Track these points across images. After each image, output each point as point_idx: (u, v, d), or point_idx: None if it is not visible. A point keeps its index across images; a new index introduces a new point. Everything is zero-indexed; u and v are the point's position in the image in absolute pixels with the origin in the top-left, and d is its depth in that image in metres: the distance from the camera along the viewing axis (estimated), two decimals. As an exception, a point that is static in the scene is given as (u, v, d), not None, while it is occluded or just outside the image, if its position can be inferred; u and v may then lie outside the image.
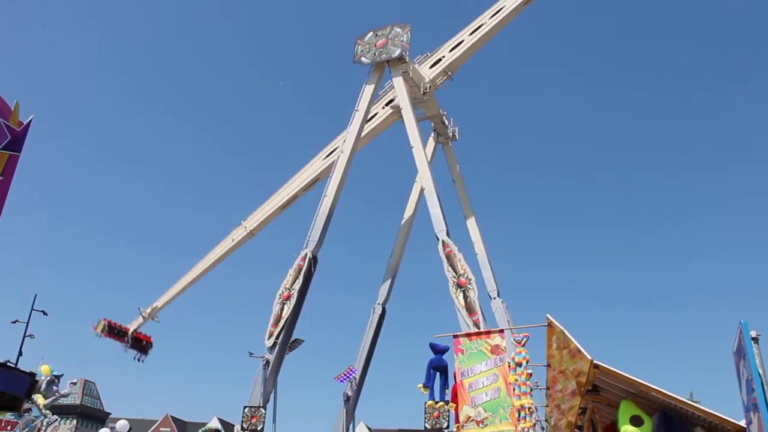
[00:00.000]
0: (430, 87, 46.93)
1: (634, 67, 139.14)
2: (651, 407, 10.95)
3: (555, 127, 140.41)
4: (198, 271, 51.22)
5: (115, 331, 50.43)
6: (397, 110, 47.24)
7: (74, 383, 32.88)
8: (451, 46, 47.50)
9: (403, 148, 44.56)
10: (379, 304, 48.49)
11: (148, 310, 51.32)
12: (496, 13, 46.29)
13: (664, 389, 10.33)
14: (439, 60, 47.51)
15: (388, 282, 49.20)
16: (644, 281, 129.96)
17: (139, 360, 51.78)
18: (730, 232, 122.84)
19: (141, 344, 51.71)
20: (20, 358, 30.71)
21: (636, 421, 10.60)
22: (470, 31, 47.06)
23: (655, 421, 10.79)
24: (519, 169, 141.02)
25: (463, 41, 47.19)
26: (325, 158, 49.62)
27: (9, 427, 28.66)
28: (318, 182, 49.30)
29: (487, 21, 46.53)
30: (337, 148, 48.44)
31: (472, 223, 49.64)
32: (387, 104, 48.64)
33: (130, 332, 50.90)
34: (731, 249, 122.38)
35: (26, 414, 28.90)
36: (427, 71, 47.25)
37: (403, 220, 50.94)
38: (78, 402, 62.64)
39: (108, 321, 50.14)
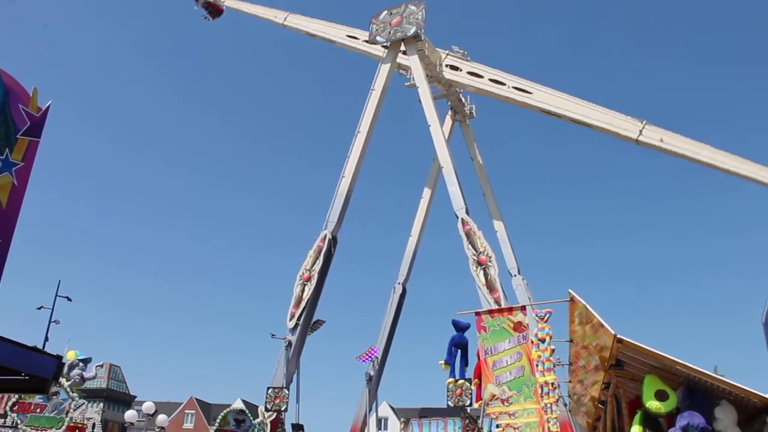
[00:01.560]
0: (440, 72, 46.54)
1: (656, 39, 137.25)
2: (675, 381, 10.90)
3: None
4: (246, 9, 56.44)
5: None
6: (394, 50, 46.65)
7: (100, 366, 33.41)
8: (472, 70, 45.30)
9: (422, 127, 44.39)
10: (399, 283, 48.60)
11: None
12: (520, 90, 42.97)
13: (688, 363, 10.27)
14: (456, 69, 46.08)
15: (408, 261, 49.25)
16: (668, 255, 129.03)
17: (204, 18, 58.14)
18: (757, 202, 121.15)
19: (212, 9, 57.83)
20: (46, 343, 31.23)
21: (661, 396, 10.54)
22: (492, 77, 44.06)
23: (679, 395, 10.73)
24: (537, 144, 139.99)
25: (482, 78, 44.64)
26: (347, 35, 50.30)
27: (38, 410, 29.23)
28: (330, 43, 51.92)
29: (509, 87, 43.24)
30: (357, 38, 49.21)
31: (491, 201, 49.49)
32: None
33: None
34: (757, 220, 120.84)
35: (54, 397, 29.43)
36: (444, 68, 46.39)
37: (422, 199, 50.87)
38: (104, 386, 63.53)
39: None
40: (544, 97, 42.40)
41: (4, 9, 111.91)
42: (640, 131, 38.15)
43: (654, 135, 37.97)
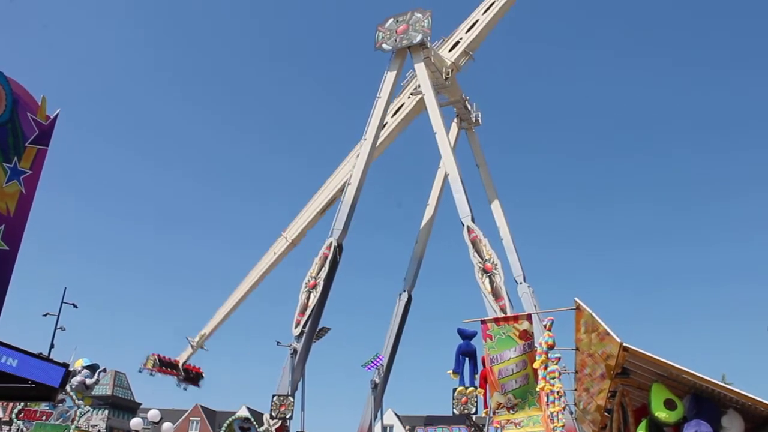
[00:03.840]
0: (452, 71, 46.79)
1: (662, 41, 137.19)
2: (682, 390, 10.86)
3: (579, 107, 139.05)
4: (243, 291, 50.06)
5: (166, 363, 48.52)
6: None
7: (102, 371, 33.33)
8: (467, 28, 47.57)
9: (427, 134, 44.50)
10: (405, 291, 48.57)
11: (196, 339, 50.23)
12: None
13: (695, 371, 10.24)
14: (458, 42, 47.61)
15: (414, 268, 49.23)
16: (674, 262, 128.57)
17: (185, 388, 50.41)
18: (764, 209, 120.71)
19: (192, 375, 50.30)
20: (52, 350, 31.24)
21: (670, 405, 10.51)
22: (483, 10, 46.99)
23: (686, 403, 10.69)
24: (543, 151, 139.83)
25: (477, 21, 47.17)
26: (357, 157, 48.50)
27: (44, 417, 29.18)
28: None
29: None
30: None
31: (496, 208, 49.45)
32: (412, 94, 48.46)
33: (180, 364, 49.40)
34: (765, 225, 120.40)
35: (60, 404, 29.38)
36: (447, 55, 47.19)
37: (428, 207, 50.87)
38: (109, 393, 63.66)
39: (157, 355, 47.96)
40: None
41: (4, 9, 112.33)
42: None
43: None
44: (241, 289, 49.81)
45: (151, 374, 47.37)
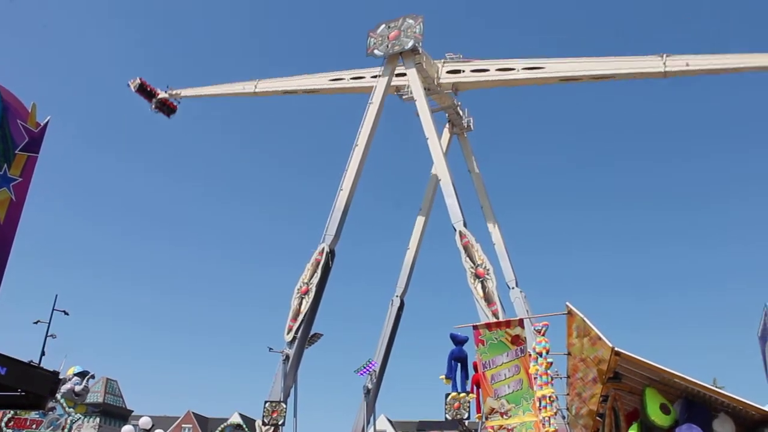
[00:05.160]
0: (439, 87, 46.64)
1: (661, 41, 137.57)
2: (673, 394, 10.89)
3: (577, 108, 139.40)
4: (209, 92, 56.73)
5: (146, 91, 55.48)
6: (395, 88, 47.40)
7: (92, 377, 33.14)
8: (476, 67, 45.82)
9: (419, 140, 44.51)
10: (397, 296, 48.47)
11: (174, 92, 56.84)
12: (532, 69, 43.61)
13: (686, 375, 10.27)
14: (459, 71, 46.37)
15: (406, 274, 49.16)
16: (665, 267, 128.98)
17: (157, 113, 57.41)
18: (753, 215, 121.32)
19: (166, 107, 56.93)
20: (43, 357, 31.00)
21: (664, 410, 10.55)
22: (499, 67, 44.68)
23: (677, 408, 10.73)
24: (535, 156, 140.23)
25: (488, 71, 45.19)
26: (330, 80, 50.51)
27: (34, 426, 28.97)
28: (314, 94, 53.02)
29: (519, 69, 43.80)
30: (343, 78, 49.74)
31: (488, 213, 49.52)
32: (376, 76, 47.54)
33: (159, 96, 56.02)
34: (754, 232, 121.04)
35: (50, 412, 29.17)
36: (444, 74, 46.58)
37: (420, 212, 50.86)
38: (101, 400, 63.43)
39: (142, 81, 55.16)
40: (557, 67, 43.07)
41: (4, 9, 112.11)
42: (664, 64, 38.67)
43: (678, 63, 38.61)
44: (205, 90, 56.88)
45: (130, 89, 55.40)
